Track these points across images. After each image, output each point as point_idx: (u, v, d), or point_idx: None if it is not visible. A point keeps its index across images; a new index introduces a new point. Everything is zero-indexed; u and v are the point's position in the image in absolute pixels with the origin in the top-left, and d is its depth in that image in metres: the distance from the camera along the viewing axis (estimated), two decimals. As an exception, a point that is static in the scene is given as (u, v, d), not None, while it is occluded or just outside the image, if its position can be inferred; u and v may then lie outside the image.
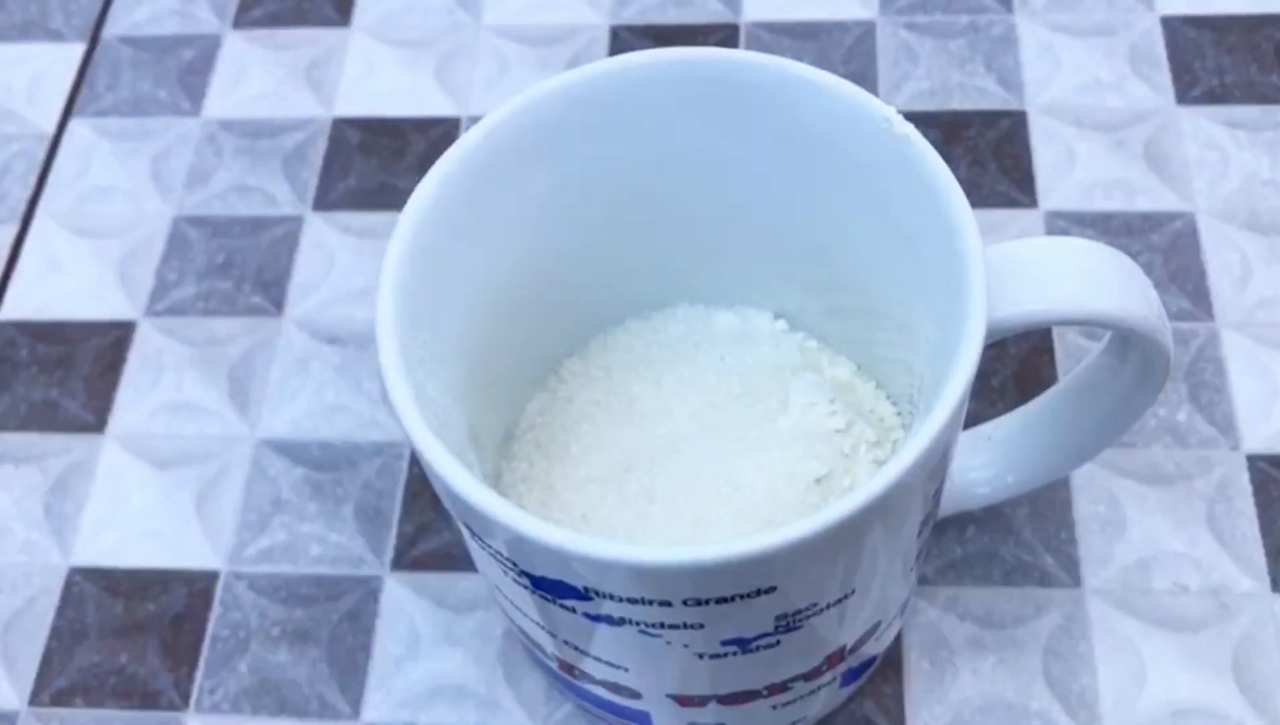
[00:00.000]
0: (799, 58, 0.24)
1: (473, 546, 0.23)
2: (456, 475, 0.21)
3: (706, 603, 0.21)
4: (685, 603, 0.21)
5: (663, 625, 0.21)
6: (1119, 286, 0.23)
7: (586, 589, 0.21)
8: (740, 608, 0.21)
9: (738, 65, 0.25)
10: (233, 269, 0.37)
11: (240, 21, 0.43)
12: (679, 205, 0.28)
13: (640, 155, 0.26)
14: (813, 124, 0.25)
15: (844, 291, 0.27)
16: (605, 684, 0.25)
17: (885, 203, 0.24)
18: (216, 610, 0.32)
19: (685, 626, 0.21)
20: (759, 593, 0.21)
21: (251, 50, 0.42)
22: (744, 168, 0.26)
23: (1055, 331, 0.34)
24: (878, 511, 0.20)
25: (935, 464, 0.22)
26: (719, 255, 0.29)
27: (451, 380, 0.25)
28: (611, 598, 0.21)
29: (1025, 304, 0.22)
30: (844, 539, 0.21)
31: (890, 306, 0.26)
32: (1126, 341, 0.24)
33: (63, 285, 0.38)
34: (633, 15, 0.41)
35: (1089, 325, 0.23)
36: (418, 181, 0.24)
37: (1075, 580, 0.31)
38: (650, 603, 0.21)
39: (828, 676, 0.26)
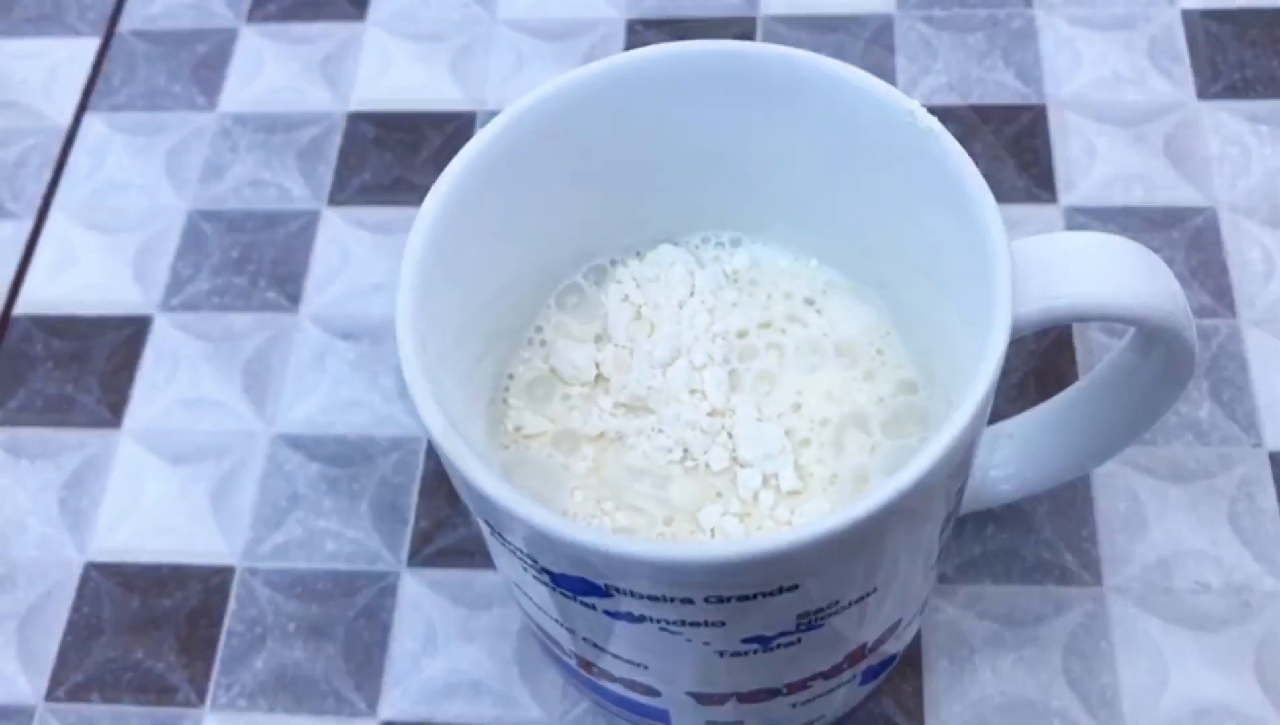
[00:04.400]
0: (816, 52, 0.24)
1: (492, 543, 0.23)
2: (476, 471, 0.20)
3: (728, 600, 0.21)
4: (707, 600, 0.20)
5: (684, 623, 0.21)
6: (1144, 282, 0.23)
7: (607, 586, 0.21)
8: (762, 606, 0.21)
9: (758, 59, 0.25)
10: (248, 264, 0.37)
11: (255, 15, 0.42)
12: (698, 198, 0.27)
13: (658, 149, 0.26)
14: (834, 118, 0.25)
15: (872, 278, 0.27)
16: (624, 681, 0.25)
17: (909, 197, 0.24)
18: (232, 606, 0.32)
19: (706, 624, 0.21)
20: (781, 590, 0.21)
21: (266, 44, 0.42)
22: (765, 160, 0.26)
23: (1075, 328, 0.34)
24: (901, 509, 0.20)
25: (959, 461, 0.22)
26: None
27: (470, 374, 0.25)
28: (632, 595, 0.21)
29: (1050, 299, 0.22)
30: (867, 536, 0.20)
31: (915, 299, 0.26)
32: (1151, 338, 0.24)
33: (78, 280, 0.38)
34: (649, 9, 0.41)
35: (1114, 321, 0.23)
36: (433, 176, 0.24)
37: (1096, 578, 0.31)
38: (671, 600, 0.21)
39: (848, 674, 0.26)
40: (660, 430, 0.25)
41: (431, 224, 0.23)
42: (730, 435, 0.25)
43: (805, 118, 0.25)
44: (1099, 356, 0.33)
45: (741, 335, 0.26)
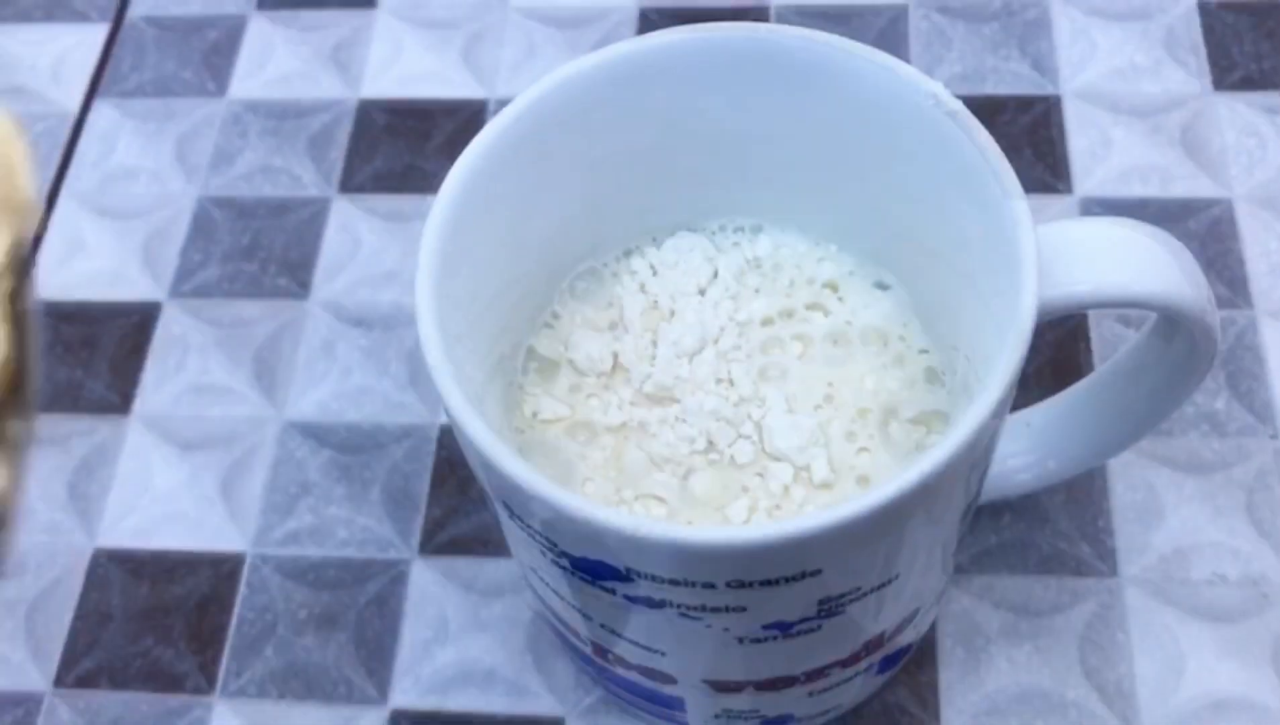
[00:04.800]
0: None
1: (509, 527, 0.23)
2: (497, 450, 0.20)
3: (749, 585, 0.20)
4: (729, 584, 0.20)
5: (704, 608, 0.21)
6: (1168, 267, 0.22)
7: (627, 569, 0.21)
8: (783, 591, 0.21)
9: (776, 43, 0.24)
10: (258, 251, 0.37)
11: (265, 2, 0.42)
12: (713, 185, 0.27)
13: (672, 135, 0.26)
14: (853, 102, 0.24)
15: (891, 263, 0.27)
16: (640, 669, 0.25)
17: (930, 183, 0.24)
18: (242, 593, 0.32)
19: (727, 610, 0.21)
20: (803, 576, 0.20)
21: (277, 31, 0.42)
22: (782, 147, 0.26)
23: (1092, 317, 0.34)
24: (924, 496, 0.20)
25: (981, 449, 0.21)
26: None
27: (485, 359, 0.25)
28: (653, 579, 0.21)
29: (1073, 285, 0.22)
30: (889, 523, 0.20)
31: (935, 286, 0.26)
32: (1173, 324, 0.24)
33: (87, 266, 0.37)
34: (661, -2, 0.41)
35: (1138, 307, 0.23)
36: (445, 165, 0.24)
37: (1112, 569, 0.31)
38: (693, 584, 0.20)
39: (865, 663, 0.26)
40: (683, 420, 0.25)
41: (449, 207, 0.23)
42: (759, 426, 0.25)
43: (824, 102, 0.25)
44: (1115, 346, 0.33)
45: (766, 323, 0.26)
